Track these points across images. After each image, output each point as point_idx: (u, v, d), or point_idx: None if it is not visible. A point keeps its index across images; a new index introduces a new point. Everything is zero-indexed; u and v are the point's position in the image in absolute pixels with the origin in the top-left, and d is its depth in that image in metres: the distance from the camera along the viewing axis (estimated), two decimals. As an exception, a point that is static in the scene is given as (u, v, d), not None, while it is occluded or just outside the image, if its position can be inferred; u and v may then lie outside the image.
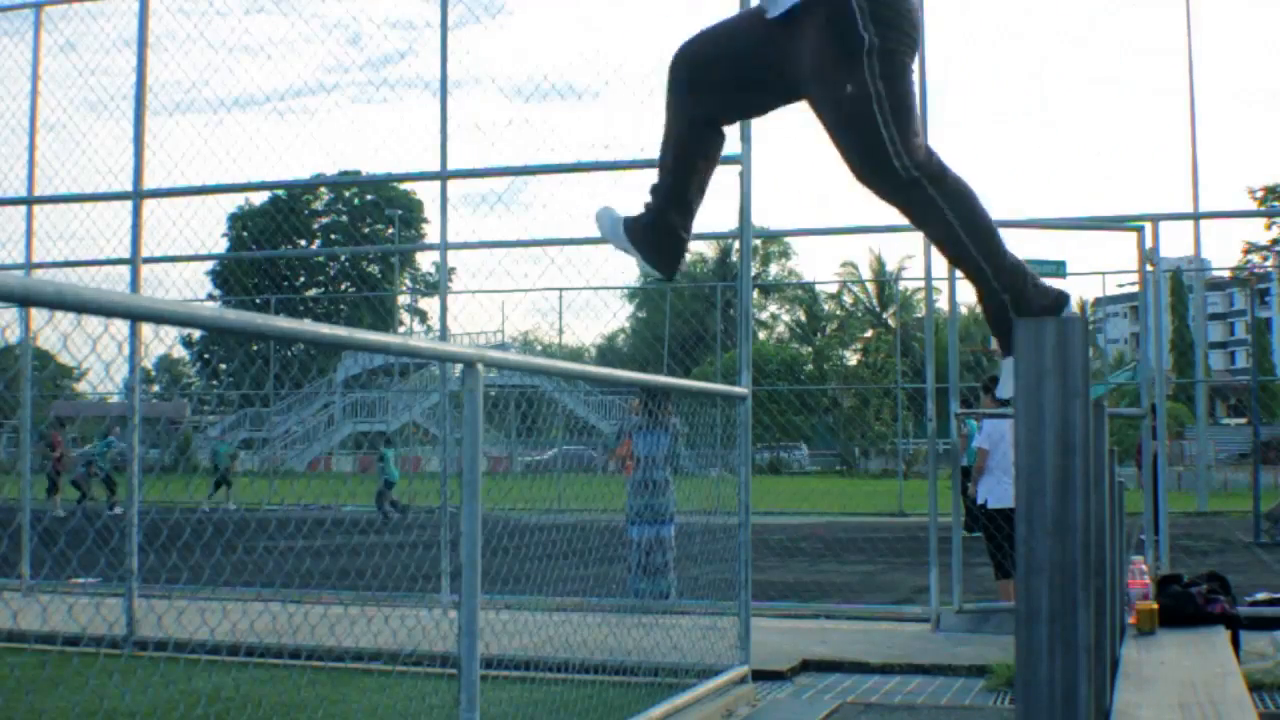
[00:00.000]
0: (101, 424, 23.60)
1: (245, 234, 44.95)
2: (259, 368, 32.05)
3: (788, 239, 55.53)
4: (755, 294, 52.23)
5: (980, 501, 8.80)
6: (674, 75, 3.17)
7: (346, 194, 57.10)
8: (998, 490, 8.53)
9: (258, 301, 27.22)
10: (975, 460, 9.15)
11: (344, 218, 59.16)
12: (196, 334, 42.24)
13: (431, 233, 46.23)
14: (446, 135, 8.66)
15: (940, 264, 8.73)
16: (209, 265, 43.36)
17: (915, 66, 2.94)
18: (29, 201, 9.83)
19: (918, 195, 2.88)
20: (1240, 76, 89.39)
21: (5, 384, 10.86)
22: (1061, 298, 2.91)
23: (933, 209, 2.89)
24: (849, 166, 2.96)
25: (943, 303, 11.40)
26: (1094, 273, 54.35)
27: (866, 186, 2.95)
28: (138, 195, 8.16)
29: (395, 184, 40.87)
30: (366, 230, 58.48)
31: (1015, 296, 2.87)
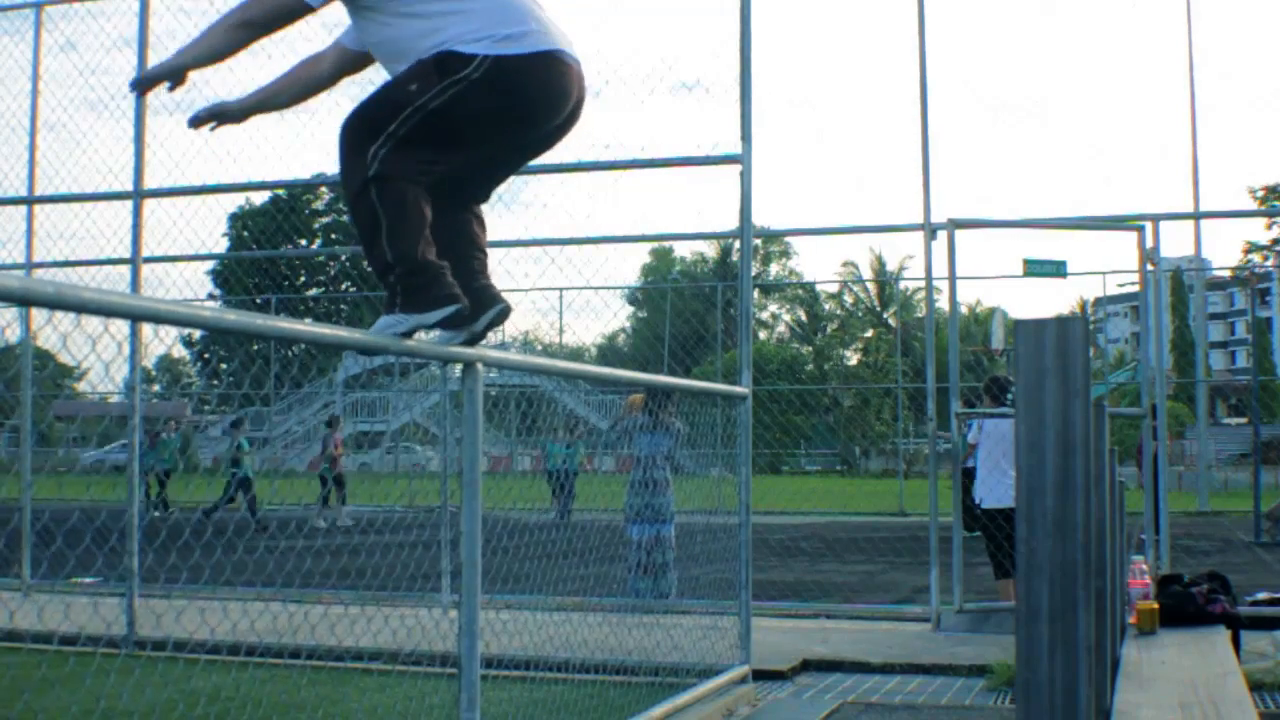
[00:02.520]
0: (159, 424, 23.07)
1: (246, 234, 44.89)
2: (259, 368, 32.03)
3: (788, 239, 55.49)
4: (755, 294, 52.23)
5: (977, 501, 8.80)
6: None
7: (347, 193, 56.97)
8: (996, 490, 8.53)
9: (258, 301, 27.21)
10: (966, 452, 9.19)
11: (344, 217, 59.11)
12: (197, 334, 42.24)
13: (432, 232, 45.91)
14: (447, 135, 8.61)
15: (940, 264, 8.74)
16: (209, 265, 43.34)
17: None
18: (29, 201, 9.82)
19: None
20: (1240, 76, 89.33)
21: (5, 384, 10.86)
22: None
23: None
24: None
25: (943, 302, 11.40)
26: (1094, 273, 54.43)
27: None
28: (138, 195, 8.16)
29: (396, 183, 40.59)
30: (367, 230, 58.24)
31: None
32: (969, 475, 9.93)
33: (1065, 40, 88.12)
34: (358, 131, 3.35)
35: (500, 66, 3.33)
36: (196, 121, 3.73)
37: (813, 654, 7.35)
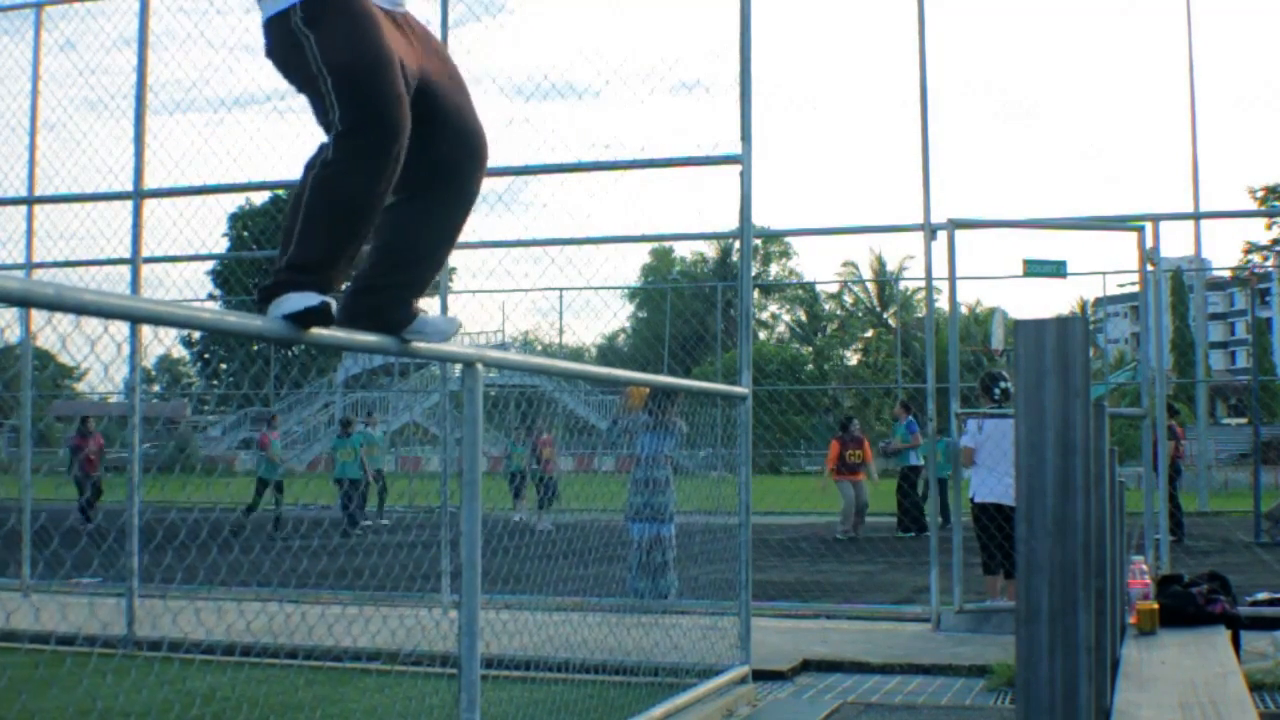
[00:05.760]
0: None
1: (245, 234, 44.90)
2: (259, 368, 32.04)
3: (788, 239, 55.50)
4: (755, 294, 52.22)
5: (970, 495, 8.81)
6: None
7: (347, 194, 56.91)
8: (991, 485, 8.53)
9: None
10: (963, 458, 9.13)
11: (344, 217, 59.05)
12: (197, 334, 42.21)
13: (432, 232, 45.88)
14: (446, 134, 8.60)
15: (940, 264, 8.73)
16: (209, 265, 43.34)
17: None
18: (29, 201, 9.83)
19: None
20: (1240, 76, 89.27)
21: (5, 384, 10.86)
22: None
23: None
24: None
25: (943, 302, 11.42)
26: (1094, 273, 54.43)
27: None
28: (138, 195, 8.16)
29: (395, 183, 40.61)
30: (367, 230, 58.18)
31: None
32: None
33: (1065, 40, 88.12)
34: None
35: None
36: None
37: (813, 654, 7.35)
